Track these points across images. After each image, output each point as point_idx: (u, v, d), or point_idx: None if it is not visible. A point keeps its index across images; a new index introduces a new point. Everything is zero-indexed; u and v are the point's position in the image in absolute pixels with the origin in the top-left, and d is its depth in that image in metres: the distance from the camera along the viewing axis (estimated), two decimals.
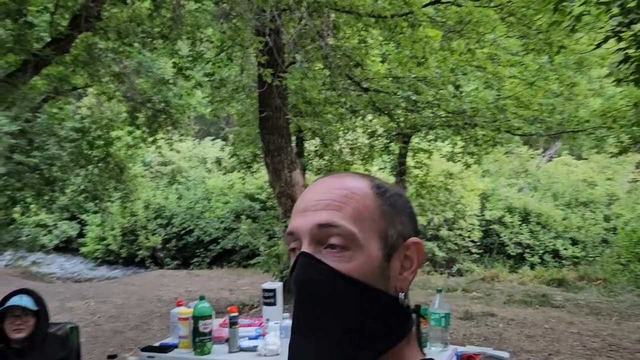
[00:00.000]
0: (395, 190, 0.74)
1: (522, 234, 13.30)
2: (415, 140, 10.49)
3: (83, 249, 16.21)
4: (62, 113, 11.05)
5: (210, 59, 7.41)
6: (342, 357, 0.65)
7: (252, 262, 12.63)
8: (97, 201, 12.97)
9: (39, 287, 9.10)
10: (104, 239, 15.54)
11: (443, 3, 6.35)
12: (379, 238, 0.68)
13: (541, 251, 13.05)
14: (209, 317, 2.84)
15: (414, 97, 5.72)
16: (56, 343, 2.76)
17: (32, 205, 11.41)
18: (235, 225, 14.09)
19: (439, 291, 2.96)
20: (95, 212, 15.18)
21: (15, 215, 12.07)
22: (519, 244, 13.26)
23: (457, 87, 7.35)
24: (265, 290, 3.30)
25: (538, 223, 13.50)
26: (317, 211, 0.68)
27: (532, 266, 12.40)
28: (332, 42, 5.56)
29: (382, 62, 7.63)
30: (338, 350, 0.65)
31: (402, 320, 0.70)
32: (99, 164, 12.12)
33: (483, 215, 13.76)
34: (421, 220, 13.20)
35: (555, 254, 13.03)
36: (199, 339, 2.80)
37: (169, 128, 12.07)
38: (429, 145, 10.41)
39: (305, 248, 0.68)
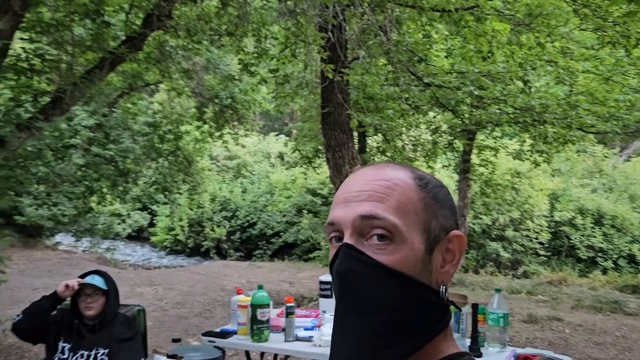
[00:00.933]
0: (436, 182, 0.73)
1: (594, 236, 12.66)
2: (480, 137, 10.22)
3: (153, 239, 16.97)
4: (135, 108, 11.62)
5: (275, 55, 7.54)
6: (382, 349, 0.64)
7: (312, 255, 12.81)
8: (166, 193, 13.55)
9: (111, 272, 9.63)
10: (172, 229, 16.20)
11: None
12: (422, 231, 0.67)
13: (615, 255, 12.38)
14: (267, 306, 2.92)
15: (476, 92, 5.57)
16: (124, 323, 2.93)
17: (107, 196, 12.05)
18: (297, 220, 14.30)
19: (498, 291, 2.90)
20: (165, 204, 15.84)
21: (93, 205, 12.82)
22: (590, 247, 12.64)
23: (525, 82, 7.08)
24: (322, 283, 3.35)
25: (612, 226, 12.81)
26: (359, 202, 0.67)
27: (605, 271, 11.80)
28: (395, 38, 5.51)
29: (447, 57, 7.49)
30: (377, 342, 0.64)
31: (441, 314, 0.69)
32: (169, 157, 12.64)
33: (552, 216, 13.21)
34: (485, 220, 12.86)
35: (631, 259, 12.33)
36: (257, 327, 2.89)
37: (235, 123, 12.40)
38: (495, 143, 10.11)
39: (348, 239, 0.67)
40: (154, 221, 17.41)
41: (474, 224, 12.73)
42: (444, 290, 0.68)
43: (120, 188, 12.21)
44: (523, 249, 12.83)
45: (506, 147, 10.44)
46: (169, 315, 6.32)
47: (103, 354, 2.79)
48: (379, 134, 9.66)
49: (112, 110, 11.14)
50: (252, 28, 6.75)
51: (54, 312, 2.93)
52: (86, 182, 11.06)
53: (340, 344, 0.66)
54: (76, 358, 2.76)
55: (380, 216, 0.65)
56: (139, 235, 17.84)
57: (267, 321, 2.92)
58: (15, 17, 3.98)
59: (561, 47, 6.89)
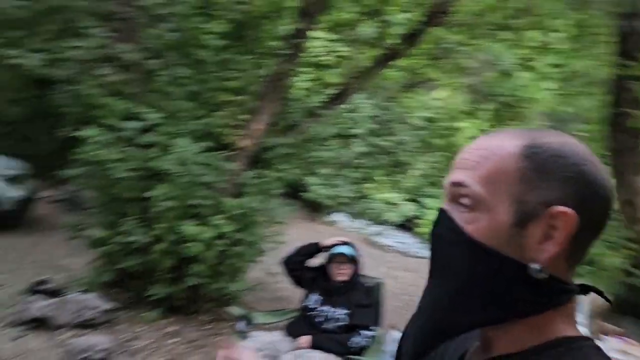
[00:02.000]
0: (555, 151, 0.66)
1: None
2: None
3: (418, 230, 17.53)
4: (414, 103, 12.18)
5: (560, 49, 6.99)
6: (450, 313, 0.67)
7: (579, 271, 11.45)
8: (435, 187, 13.86)
9: (375, 253, 10.40)
10: None
11: None
12: (512, 202, 0.65)
13: None
14: None
15: None
16: (363, 291, 3.23)
17: (380, 183, 12.99)
18: None
19: None
20: (433, 197, 16.17)
21: (368, 191, 13.99)
22: None
23: None
24: None
25: None
26: (457, 169, 0.70)
27: None
28: None
29: None
30: (447, 306, 0.68)
31: (531, 291, 0.65)
32: (442, 153, 12.88)
33: None
34: None
35: None
36: None
37: (513, 122, 11.88)
38: None
39: (445, 204, 0.72)
40: (422, 213, 17.93)
41: None
42: (537, 268, 0.64)
43: (393, 177, 12.99)
44: None
45: None
46: (414, 300, 6.54)
47: (345, 314, 3.14)
48: None
49: (392, 104, 11.91)
50: (535, 21, 6.39)
51: (311, 269, 3.42)
52: (363, 169, 12.15)
53: (427, 295, 0.72)
54: (322, 310, 3.18)
55: (465, 184, 0.67)
56: (406, 225, 18.63)
57: None
58: (312, 19, 4.65)
59: None
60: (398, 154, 12.21)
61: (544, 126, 19.42)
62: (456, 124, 12.65)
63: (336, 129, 10.40)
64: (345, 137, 11.23)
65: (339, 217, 14.87)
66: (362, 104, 11.38)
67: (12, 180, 6.88)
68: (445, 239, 0.69)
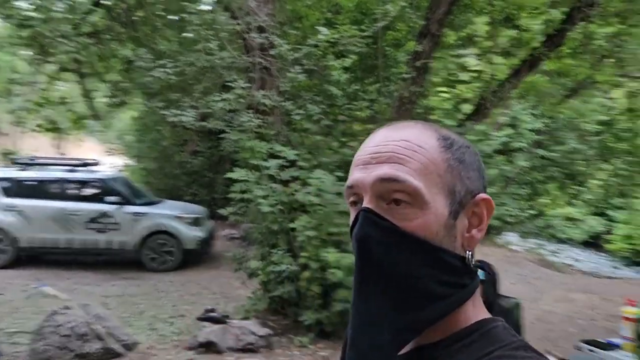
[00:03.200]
0: (462, 143, 0.67)
1: None
2: None
3: (609, 246, 15.66)
4: (586, 107, 11.11)
5: None
6: (404, 318, 0.62)
7: None
8: (624, 197, 12.34)
9: (550, 274, 9.56)
10: (630, 237, 14.54)
11: None
12: (446, 194, 0.63)
13: None
14: None
15: None
16: (501, 313, 3.04)
17: (556, 198, 11.96)
18: None
19: None
20: (622, 209, 14.42)
21: (543, 208, 12.96)
22: None
23: None
24: None
25: None
26: (379, 164, 0.63)
27: None
28: None
29: None
30: (399, 311, 0.62)
31: (468, 280, 0.65)
32: (626, 157, 11.48)
33: None
34: None
35: None
36: None
37: None
38: None
39: (367, 203, 0.64)
40: (612, 228, 16.03)
41: None
42: (469, 256, 0.64)
43: (570, 190, 11.92)
44: None
45: None
46: (595, 326, 5.86)
47: None
48: None
49: (557, 111, 11.02)
50: None
51: None
52: (532, 184, 11.34)
53: (360, 308, 0.64)
54: None
55: (400, 179, 0.62)
56: (595, 242, 16.79)
57: None
58: (433, 38, 4.64)
59: None
60: (572, 165, 11.20)
61: None
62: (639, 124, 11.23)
63: (496, 145, 9.96)
64: (507, 152, 10.69)
65: (510, 238, 13.97)
66: (522, 114, 10.74)
67: (194, 222, 7.87)
68: (379, 240, 0.62)
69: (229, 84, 4.67)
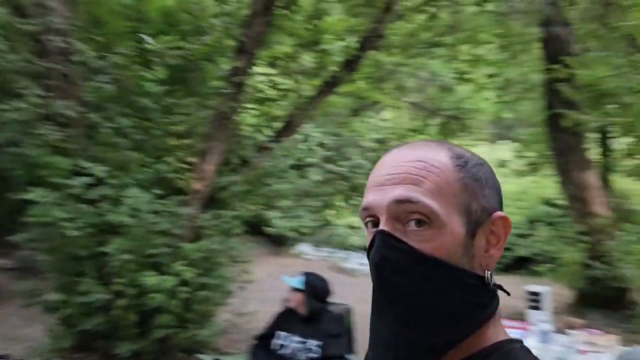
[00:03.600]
0: (476, 160, 0.68)
1: None
2: None
3: None
4: (364, 126, 12.40)
5: (492, 60, 7.30)
6: (425, 340, 0.62)
7: (537, 268, 11.76)
8: None
9: (344, 279, 10.39)
10: None
11: None
12: (462, 214, 0.63)
13: None
14: None
15: None
16: (332, 320, 3.21)
17: (341, 209, 13.04)
18: (529, 232, 13.33)
19: None
20: None
21: (329, 218, 14.02)
22: None
23: None
24: (530, 293, 3.16)
25: None
26: (393, 185, 0.63)
27: None
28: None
29: None
30: (419, 333, 0.62)
31: (488, 300, 0.65)
32: None
33: None
34: None
35: None
36: None
37: (461, 134, 12.24)
38: None
39: (383, 225, 0.64)
40: None
41: None
42: (489, 275, 0.64)
43: (353, 201, 13.07)
44: None
45: None
46: None
47: (317, 345, 3.11)
48: (631, 134, 8.44)
49: (344, 130, 12.10)
50: (466, 35, 6.67)
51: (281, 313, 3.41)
52: (323, 197, 12.19)
53: (380, 331, 0.64)
54: (291, 342, 3.15)
55: (415, 200, 0.62)
56: None
57: None
58: (250, 56, 4.71)
59: None
60: (354, 178, 12.33)
61: (491, 134, 19.98)
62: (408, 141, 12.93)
63: (291, 160, 10.46)
64: (300, 167, 11.30)
65: (304, 248, 14.84)
66: (313, 132, 11.52)
67: None
68: (399, 262, 0.62)
69: (21, 90, 4.05)
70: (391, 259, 0.62)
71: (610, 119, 5.98)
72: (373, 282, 0.65)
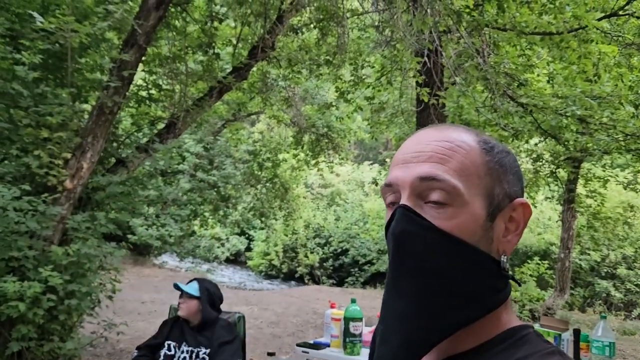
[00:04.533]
0: (502, 147, 0.69)
1: None
2: (587, 166, 9.65)
3: (249, 262, 17.57)
4: (237, 136, 12.30)
5: (371, 83, 7.71)
6: (438, 313, 0.62)
7: None
8: (263, 218, 14.03)
9: None
10: (267, 254, 16.71)
11: (620, 16, 5.86)
12: (484, 196, 0.64)
13: None
14: (359, 319, 2.97)
15: (579, 112, 5.30)
16: (225, 327, 3.11)
17: (209, 219, 12.72)
18: None
19: (603, 318, 2.74)
20: (262, 229, 16.40)
21: (195, 228, 13.60)
22: None
23: (636, 106, 6.66)
24: None
25: None
26: (419, 163, 0.64)
27: None
28: (492, 61, 5.46)
29: (549, 81, 7.24)
30: (430, 308, 0.62)
31: (501, 284, 0.66)
32: (267, 184, 13.15)
33: None
34: (594, 256, 12.00)
35: None
36: (350, 339, 2.94)
37: (330, 152, 12.67)
38: (604, 172, 9.48)
39: (405, 201, 0.64)
40: (251, 246, 18.04)
41: (580, 259, 11.92)
42: (505, 260, 0.65)
43: (221, 212, 12.82)
44: (638, 290, 11.76)
45: (616, 176, 9.73)
46: (263, 333, 6.52)
47: (205, 353, 2.99)
48: None
49: (217, 139, 11.87)
50: (350, 57, 6.98)
51: (167, 322, 3.22)
52: (191, 206, 11.80)
53: (393, 305, 0.64)
54: (181, 352, 2.99)
55: (440, 178, 0.63)
56: (236, 259, 18.55)
57: (360, 335, 2.96)
58: (140, 50, 4.45)
59: None
60: (225, 188, 12.12)
61: (354, 154, 20.95)
62: (279, 156, 13.06)
63: (161, 166, 9.98)
64: (170, 173, 10.83)
65: (168, 258, 14.23)
66: (188, 139, 11.15)
67: None
68: (418, 237, 0.63)
69: None
70: (411, 233, 0.63)
71: None
72: (391, 255, 0.66)
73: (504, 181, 0.66)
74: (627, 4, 5.68)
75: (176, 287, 3.20)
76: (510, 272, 0.66)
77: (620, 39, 5.93)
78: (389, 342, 0.64)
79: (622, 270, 11.89)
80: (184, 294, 3.14)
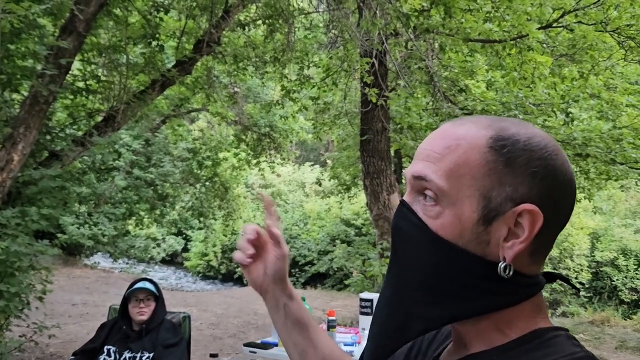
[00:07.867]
0: (522, 144, 0.62)
1: (638, 279, 12.21)
2: None
3: (187, 263, 17.16)
4: (177, 133, 11.97)
5: (316, 83, 7.71)
6: (418, 305, 0.64)
7: (347, 282, 12.73)
8: (202, 218, 13.73)
9: None
10: (205, 254, 16.37)
11: (554, 27, 6.17)
12: (479, 198, 0.62)
13: None
14: None
15: (521, 117, 5.54)
16: (170, 329, 2.99)
17: (145, 218, 12.30)
18: (330, 249, 14.27)
19: None
20: (200, 229, 16.06)
21: (130, 227, 13.11)
22: (634, 289, 12.18)
23: (567, 114, 7.03)
24: (362, 300, 3.36)
25: None
26: (419, 160, 0.66)
27: None
28: (436, 65, 5.59)
29: (488, 88, 7.51)
30: (409, 301, 0.64)
31: (502, 288, 0.62)
32: (206, 183, 12.87)
33: (593, 256, 12.83)
34: None
35: None
36: None
37: (272, 152, 12.58)
38: None
39: (406, 195, 0.68)
40: (188, 246, 17.64)
41: None
42: (502, 266, 0.61)
43: (158, 211, 12.42)
44: (562, 289, 12.44)
45: None
46: (204, 334, 6.36)
47: (148, 357, 2.85)
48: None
49: (155, 135, 11.48)
50: (296, 56, 6.94)
51: (104, 326, 3.04)
52: (126, 204, 11.35)
53: (384, 292, 0.68)
54: (121, 357, 2.83)
55: (428, 178, 0.63)
56: (172, 260, 18.08)
57: None
58: (79, 37, 4.22)
59: (605, 81, 6.85)
60: (163, 187, 11.76)
61: (295, 155, 20.96)
62: (220, 155, 12.83)
63: (99, 160, 9.53)
64: (105, 170, 10.36)
65: (100, 259, 13.63)
66: (124, 135, 10.71)
67: None
68: (407, 232, 0.65)
69: None
70: (402, 228, 0.66)
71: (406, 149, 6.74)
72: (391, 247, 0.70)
73: (510, 183, 0.61)
74: (561, 16, 5.99)
75: (138, 289, 2.99)
76: (510, 276, 0.61)
77: (554, 49, 6.23)
78: (377, 324, 0.69)
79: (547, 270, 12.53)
80: (143, 298, 2.96)
